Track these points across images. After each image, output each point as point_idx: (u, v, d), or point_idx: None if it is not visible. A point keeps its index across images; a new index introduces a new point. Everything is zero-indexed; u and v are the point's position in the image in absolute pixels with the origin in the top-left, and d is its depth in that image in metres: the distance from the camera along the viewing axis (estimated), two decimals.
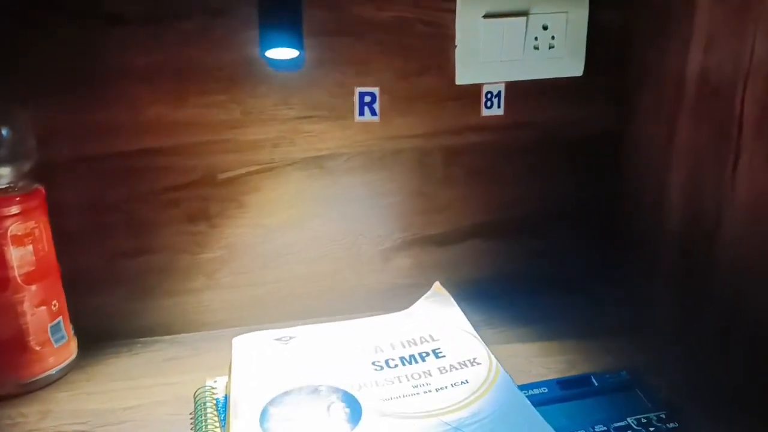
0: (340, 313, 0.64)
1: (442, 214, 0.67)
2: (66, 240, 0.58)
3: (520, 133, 0.65)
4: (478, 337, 0.57)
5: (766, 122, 0.49)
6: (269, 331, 0.58)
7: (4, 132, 0.51)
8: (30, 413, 0.52)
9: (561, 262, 0.70)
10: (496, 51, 0.62)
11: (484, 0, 0.60)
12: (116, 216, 0.60)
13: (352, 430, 0.46)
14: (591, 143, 0.67)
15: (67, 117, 0.57)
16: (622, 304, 0.66)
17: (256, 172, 0.62)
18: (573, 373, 0.54)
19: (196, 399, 0.51)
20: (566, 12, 0.62)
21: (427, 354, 0.55)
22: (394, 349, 0.56)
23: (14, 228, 0.52)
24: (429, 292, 0.65)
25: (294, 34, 0.55)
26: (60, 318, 0.56)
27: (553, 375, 0.54)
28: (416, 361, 0.54)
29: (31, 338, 0.54)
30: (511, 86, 0.64)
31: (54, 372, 0.56)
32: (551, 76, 0.64)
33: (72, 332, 0.58)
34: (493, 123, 0.65)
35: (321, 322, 0.61)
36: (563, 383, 0.52)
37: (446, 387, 0.50)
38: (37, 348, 0.54)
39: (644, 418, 0.47)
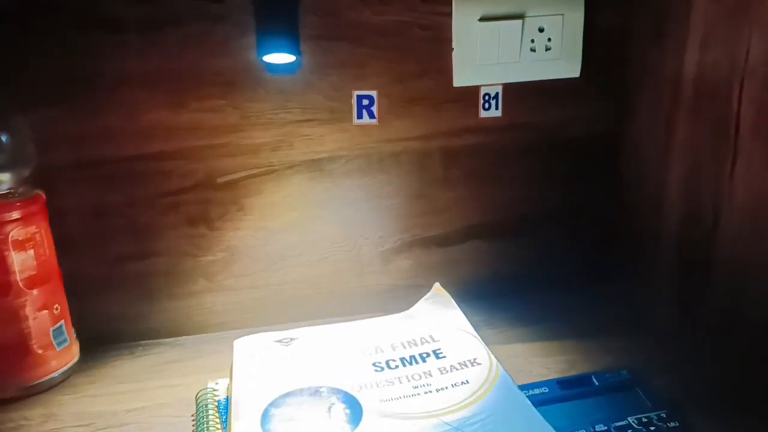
0: (341, 314, 0.64)
1: (441, 215, 0.67)
2: (67, 244, 0.58)
3: (518, 134, 0.66)
4: (479, 338, 0.57)
5: (762, 122, 0.50)
6: (270, 332, 0.59)
7: (3, 138, 0.52)
8: (33, 416, 0.52)
9: (560, 263, 0.70)
10: (493, 53, 0.62)
11: (479, 3, 0.61)
12: (117, 220, 0.60)
13: (352, 431, 0.46)
14: (589, 144, 0.67)
15: (67, 123, 0.57)
16: (622, 304, 0.66)
17: (256, 175, 0.62)
18: (573, 372, 0.54)
19: (198, 401, 0.52)
20: (562, 14, 0.62)
21: (428, 354, 0.55)
22: (394, 350, 0.56)
23: (15, 233, 0.52)
24: (429, 293, 0.65)
25: (291, 39, 0.56)
26: (62, 321, 0.57)
27: (553, 375, 0.54)
28: (417, 362, 0.54)
29: (33, 342, 0.54)
30: (508, 88, 0.64)
31: (56, 375, 0.56)
32: (548, 78, 0.64)
33: (74, 335, 0.59)
34: (491, 125, 0.65)
35: (322, 323, 0.62)
36: (563, 383, 0.52)
37: (447, 387, 0.50)
38: (40, 351, 0.55)
39: (645, 417, 0.47)
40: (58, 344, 0.56)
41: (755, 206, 0.51)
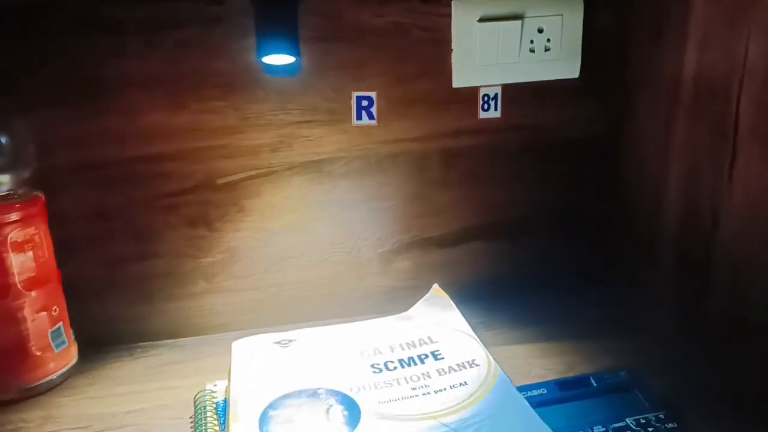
0: (340, 316, 0.64)
1: (440, 216, 0.67)
2: (67, 246, 0.58)
3: (517, 135, 0.66)
4: (477, 339, 0.57)
5: (761, 122, 0.49)
6: (269, 334, 0.58)
7: (3, 140, 0.52)
8: (31, 418, 0.52)
9: (559, 264, 0.70)
10: (492, 54, 0.62)
11: (479, 4, 0.61)
12: (116, 222, 0.60)
13: None
14: (588, 144, 0.67)
15: (67, 124, 0.57)
16: (621, 305, 0.66)
17: (256, 176, 0.62)
18: (572, 374, 0.54)
19: (196, 403, 0.52)
20: (561, 15, 0.62)
21: (426, 356, 0.55)
22: (393, 351, 0.56)
23: (14, 235, 0.52)
24: (428, 295, 0.65)
25: (290, 40, 0.56)
26: (60, 323, 0.57)
27: (551, 376, 0.54)
28: (415, 363, 0.54)
29: (31, 344, 0.54)
30: (507, 89, 0.64)
31: (55, 377, 0.56)
32: (547, 78, 0.64)
33: (73, 337, 0.59)
34: (490, 125, 0.65)
35: (321, 325, 0.62)
36: (562, 384, 0.52)
37: (445, 389, 0.50)
38: (38, 353, 0.55)
39: (643, 418, 0.47)
40: (57, 346, 0.56)
41: (754, 206, 0.51)
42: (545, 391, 0.51)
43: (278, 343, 0.57)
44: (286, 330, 0.59)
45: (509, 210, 0.68)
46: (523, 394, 0.49)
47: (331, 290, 0.66)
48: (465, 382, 0.51)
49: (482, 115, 0.64)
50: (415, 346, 0.57)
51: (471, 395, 0.49)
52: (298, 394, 0.50)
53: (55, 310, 0.56)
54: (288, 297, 0.66)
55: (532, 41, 0.62)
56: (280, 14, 0.56)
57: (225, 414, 0.49)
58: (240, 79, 0.59)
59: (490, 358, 0.54)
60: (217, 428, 0.49)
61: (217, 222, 0.62)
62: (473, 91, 0.64)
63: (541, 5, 0.62)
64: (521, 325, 0.63)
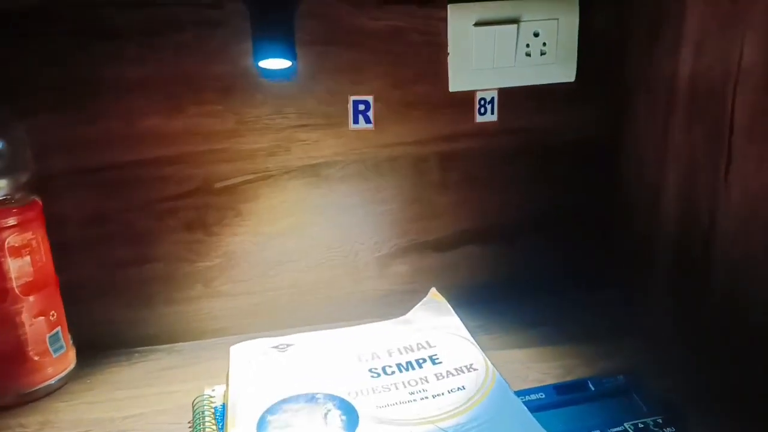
0: (338, 320, 0.64)
1: (437, 220, 0.67)
2: (64, 250, 0.58)
3: (513, 139, 0.66)
4: (475, 343, 0.57)
5: (756, 125, 0.50)
6: (266, 338, 0.59)
7: (0, 144, 0.52)
8: (29, 423, 0.52)
9: (557, 267, 0.70)
10: (489, 58, 0.62)
11: (475, 8, 0.61)
12: (114, 226, 0.60)
13: None
14: (585, 148, 0.67)
15: (64, 129, 0.57)
16: (619, 308, 0.66)
17: (253, 180, 0.62)
18: (570, 378, 0.54)
19: (195, 407, 0.52)
20: (557, 19, 0.62)
21: (424, 360, 0.55)
22: (391, 355, 0.56)
23: (11, 239, 0.52)
24: (425, 299, 0.65)
25: (286, 45, 0.56)
26: (58, 328, 0.57)
27: (549, 380, 0.54)
28: (413, 368, 0.54)
29: (29, 348, 0.54)
30: (504, 93, 0.64)
31: (53, 382, 0.56)
32: (544, 82, 0.64)
33: (71, 342, 0.59)
34: (487, 129, 0.65)
35: (319, 329, 0.62)
36: (560, 388, 0.52)
37: (443, 393, 0.50)
38: (36, 358, 0.55)
39: (641, 423, 0.47)
40: (55, 351, 0.56)
41: (752, 205, 0.51)
42: (543, 396, 0.51)
43: (276, 347, 0.57)
44: (284, 334, 0.59)
45: (506, 213, 0.68)
46: (521, 399, 0.49)
47: (328, 294, 0.66)
48: (463, 387, 0.51)
49: (479, 119, 0.65)
50: (413, 350, 0.57)
51: (469, 399, 0.49)
52: (296, 398, 0.50)
53: (53, 315, 0.56)
54: (285, 301, 0.66)
55: (528, 45, 0.62)
56: (276, 18, 0.56)
57: (223, 419, 0.49)
58: (238, 83, 0.59)
59: (488, 362, 0.54)
60: None
61: (214, 226, 0.63)
62: (470, 95, 0.64)
63: (536, 9, 0.62)
64: (519, 328, 0.63)
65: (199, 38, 0.58)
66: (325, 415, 0.48)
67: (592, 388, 0.52)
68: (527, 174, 0.67)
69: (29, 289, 0.54)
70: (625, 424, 0.47)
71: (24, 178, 0.54)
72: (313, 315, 0.66)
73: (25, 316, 0.54)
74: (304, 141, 0.62)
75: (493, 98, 0.64)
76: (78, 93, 0.57)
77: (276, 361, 0.55)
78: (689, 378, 0.53)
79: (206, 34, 0.58)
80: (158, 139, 0.59)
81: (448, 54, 0.62)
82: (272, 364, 0.55)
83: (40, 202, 0.55)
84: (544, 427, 0.46)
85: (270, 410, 0.49)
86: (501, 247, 0.69)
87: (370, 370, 0.54)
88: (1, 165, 0.52)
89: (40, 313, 0.55)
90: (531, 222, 0.69)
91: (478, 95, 0.64)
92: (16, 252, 0.53)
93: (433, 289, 0.66)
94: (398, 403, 0.49)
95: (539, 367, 0.56)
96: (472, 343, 0.57)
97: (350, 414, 0.48)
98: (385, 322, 0.62)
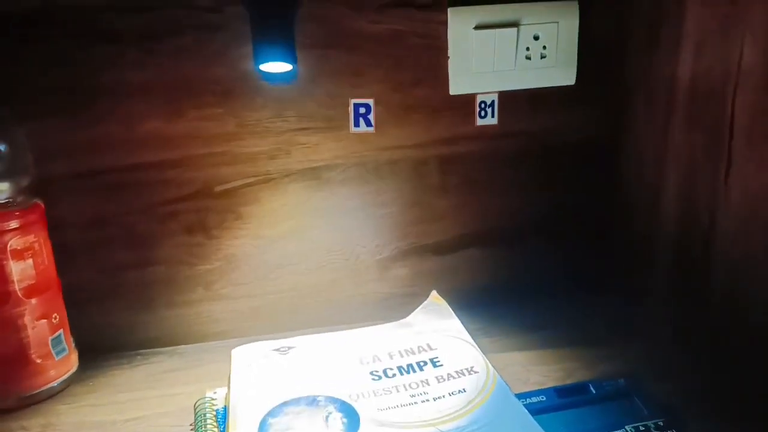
0: (339, 323, 0.65)
1: (438, 223, 0.67)
2: (66, 254, 0.58)
3: (514, 141, 0.66)
4: (476, 346, 0.57)
5: (756, 126, 0.50)
6: (268, 341, 0.59)
7: (2, 148, 0.52)
8: (31, 426, 0.52)
9: (558, 270, 0.70)
10: (489, 61, 0.62)
11: (475, 12, 0.61)
12: (115, 229, 0.61)
13: None
14: (585, 150, 0.67)
15: (64, 133, 0.58)
16: (620, 310, 0.66)
17: (253, 183, 0.62)
18: (570, 381, 0.54)
19: (196, 410, 0.52)
20: (557, 22, 0.62)
21: (425, 363, 0.55)
22: (392, 358, 0.56)
23: (14, 242, 0.52)
24: (426, 301, 0.65)
25: (287, 48, 0.56)
26: (60, 331, 0.57)
27: (550, 383, 0.54)
28: (414, 371, 0.54)
29: (32, 351, 0.54)
30: (504, 96, 0.64)
31: (55, 384, 0.56)
32: (544, 86, 0.64)
33: (73, 345, 0.59)
34: (487, 132, 0.65)
35: (319, 332, 0.62)
36: (561, 391, 0.52)
37: (444, 396, 0.50)
38: (38, 361, 0.55)
39: (642, 425, 0.47)
40: (57, 353, 0.56)
41: (752, 205, 0.51)
42: (544, 398, 0.51)
43: (277, 350, 0.57)
44: (285, 337, 0.60)
45: (507, 216, 0.68)
46: (522, 401, 0.49)
47: (329, 297, 0.67)
48: (464, 389, 0.51)
49: (479, 122, 0.65)
50: (413, 353, 0.57)
51: (470, 402, 0.49)
52: (298, 401, 0.50)
53: (56, 318, 0.56)
54: (286, 304, 0.66)
55: (528, 48, 0.63)
56: (276, 22, 0.56)
57: (225, 421, 0.50)
58: (238, 87, 0.60)
59: (489, 365, 0.54)
60: None
61: (215, 229, 0.63)
62: (470, 98, 0.64)
63: (536, 13, 0.62)
64: (520, 331, 0.63)
65: (198, 42, 0.58)
66: (327, 417, 0.48)
67: (593, 391, 0.52)
68: (527, 177, 0.67)
69: (31, 291, 0.54)
70: (626, 427, 0.47)
71: (25, 181, 0.54)
72: (314, 318, 0.66)
73: (27, 319, 0.54)
74: (305, 144, 0.62)
75: (493, 101, 0.64)
76: (78, 97, 0.57)
77: (277, 363, 0.55)
78: (690, 381, 0.53)
79: (206, 38, 0.58)
80: (159, 142, 0.59)
81: (449, 57, 0.62)
82: (273, 366, 0.55)
83: (42, 205, 0.56)
84: (545, 430, 0.45)
85: (271, 413, 0.49)
86: (501, 250, 0.69)
87: (371, 373, 0.54)
88: (3, 168, 0.52)
89: (43, 316, 0.55)
90: (531, 225, 0.69)
91: (479, 98, 0.64)
92: (19, 255, 0.53)
93: (434, 292, 0.66)
94: (399, 405, 0.49)
95: (540, 370, 0.56)
96: (472, 345, 0.57)
97: (351, 416, 0.48)
98: (386, 324, 0.62)
